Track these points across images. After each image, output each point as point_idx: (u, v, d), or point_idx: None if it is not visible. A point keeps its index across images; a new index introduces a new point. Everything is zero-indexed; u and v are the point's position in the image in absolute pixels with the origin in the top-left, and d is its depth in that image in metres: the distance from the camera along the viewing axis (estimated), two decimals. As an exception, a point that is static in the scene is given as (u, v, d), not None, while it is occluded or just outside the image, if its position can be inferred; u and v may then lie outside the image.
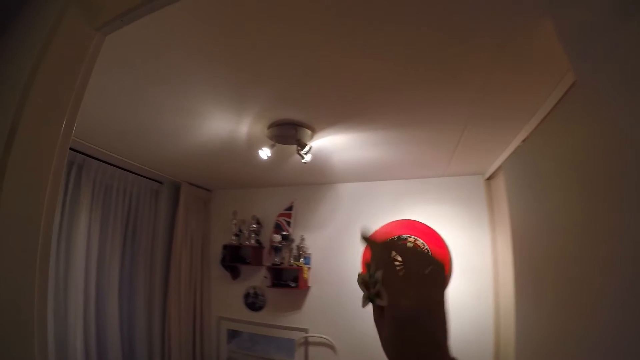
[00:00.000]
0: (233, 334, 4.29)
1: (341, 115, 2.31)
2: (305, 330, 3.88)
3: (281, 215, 4.19)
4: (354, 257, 3.83)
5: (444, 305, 0.58)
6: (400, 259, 0.63)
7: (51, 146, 0.99)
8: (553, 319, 1.91)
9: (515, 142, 2.44)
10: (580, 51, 1.04)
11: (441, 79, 1.79)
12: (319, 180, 4.07)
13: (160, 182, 4.17)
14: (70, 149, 2.79)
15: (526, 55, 1.55)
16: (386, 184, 3.87)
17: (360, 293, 0.57)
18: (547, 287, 2.00)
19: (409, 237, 3.56)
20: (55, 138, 1.00)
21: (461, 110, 2.15)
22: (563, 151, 1.79)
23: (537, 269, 2.15)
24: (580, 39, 1.02)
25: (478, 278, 3.25)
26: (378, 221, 3.80)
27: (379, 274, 0.61)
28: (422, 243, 3.47)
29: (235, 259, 4.29)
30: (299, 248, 4.01)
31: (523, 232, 2.40)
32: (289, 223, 4.11)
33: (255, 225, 4.22)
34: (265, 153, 2.61)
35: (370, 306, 0.64)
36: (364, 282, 0.64)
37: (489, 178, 3.33)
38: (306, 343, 3.87)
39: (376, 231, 3.73)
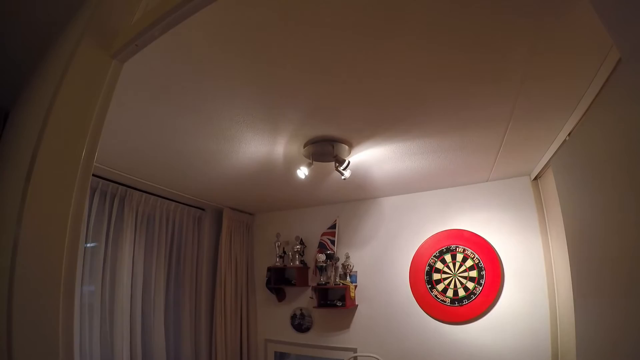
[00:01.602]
0: (281, 356, 4.24)
1: (377, 127, 2.29)
2: (354, 350, 3.77)
3: (325, 234, 4.16)
4: (401, 271, 3.73)
5: None
6: None
7: (72, 173, 1.00)
8: (615, 322, 1.77)
9: (562, 136, 2.32)
10: (622, 25, 0.99)
11: (478, 77, 1.74)
12: (361, 196, 4.03)
13: (202, 209, 4.26)
14: (112, 181, 2.98)
15: (565, 37, 1.47)
16: (430, 194, 3.78)
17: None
18: (608, 290, 1.87)
19: (457, 247, 3.45)
20: (76, 164, 1.01)
21: (501, 110, 2.08)
22: (614, 138, 1.69)
23: (596, 271, 2.01)
24: (621, 12, 0.98)
25: (531, 285, 3.08)
26: (424, 233, 3.71)
27: None
28: (472, 252, 3.35)
29: (280, 281, 4.27)
30: (345, 266, 3.95)
31: (578, 232, 2.26)
32: (333, 242, 4.07)
33: (299, 246, 4.21)
34: (302, 172, 2.60)
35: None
36: None
37: (536, 178, 3.19)
38: (356, 363, 3.76)
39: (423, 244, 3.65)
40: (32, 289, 0.89)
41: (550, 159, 2.62)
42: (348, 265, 3.94)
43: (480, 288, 3.25)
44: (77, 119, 1.05)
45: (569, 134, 2.22)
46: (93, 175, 2.84)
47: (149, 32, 1.08)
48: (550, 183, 2.76)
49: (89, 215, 2.92)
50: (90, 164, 1.05)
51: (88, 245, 2.92)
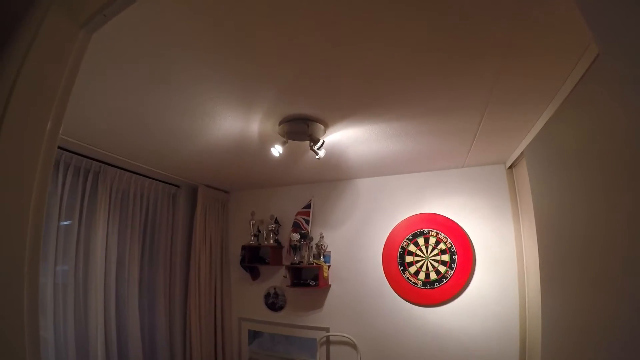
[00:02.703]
0: (254, 335, 4.26)
1: (353, 107, 2.24)
2: (327, 329, 3.82)
3: (299, 213, 4.14)
4: (375, 253, 3.75)
5: None
6: None
7: (36, 145, 0.97)
8: (578, 311, 1.82)
9: (537, 127, 2.32)
10: (602, 18, 0.96)
11: (456, 61, 1.70)
12: (336, 177, 4.01)
13: (177, 186, 4.19)
14: (85, 156, 2.89)
15: (545, 30, 1.45)
16: (405, 178, 3.78)
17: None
18: (572, 279, 1.91)
19: (430, 231, 3.47)
20: (41, 136, 0.98)
21: (478, 96, 2.05)
22: (585, 131, 1.70)
23: (562, 260, 2.05)
24: (603, 7, 0.95)
25: (502, 270, 3.14)
26: (398, 216, 3.72)
27: None
28: (445, 237, 3.38)
29: (254, 260, 4.26)
30: (318, 246, 3.96)
31: (547, 221, 2.30)
32: (307, 221, 4.05)
33: (273, 225, 4.19)
34: (277, 150, 2.56)
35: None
36: None
37: (511, 166, 3.21)
38: (328, 342, 3.80)
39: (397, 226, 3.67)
40: None
41: (525, 149, 2.63)
42: (322, 245, 3.95)
43: (452, 272, 3.29)
44: (42, 90, 1.01)
45: (545, 124, 2.22)
46: (67, 150, 2.79)
47: (116, 2, 1.04)
48: (524, 172, 2.78)
49: (62, 192, 2.83)
50: (55, 136, 1.02)
51: (62, 223, 2.84)
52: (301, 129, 2.40)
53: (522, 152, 2.74)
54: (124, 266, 3.39)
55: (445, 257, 3.36)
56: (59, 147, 2.74)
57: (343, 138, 2.74)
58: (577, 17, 1.26)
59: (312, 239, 4.02)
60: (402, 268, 3.55)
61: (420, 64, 1.73)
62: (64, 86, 1.03)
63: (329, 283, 3.92)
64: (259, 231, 4.26)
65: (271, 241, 4.14)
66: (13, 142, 0.93)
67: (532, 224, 2.60)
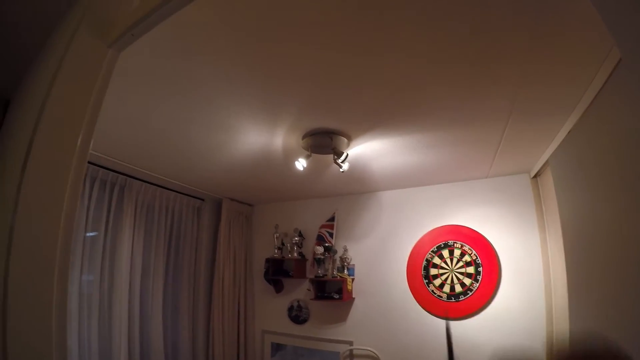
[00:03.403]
0: (277, 347, 4.26)
1: (376, 119, 2.27)
2: (350, 343, 3.79)
3: (323, 226, 4.16)
4: (399, 265, 3.73)
5: None
6: None
7: (67, 161, 1.00)
8: (608, 324, 1.77)
9: (561, 135, 2.30)
10: (623, 22, 0.97)
11: (476, 72, 1.72)
12: (360, 189, 4.03)
13: (201, 199, 4.26)
14: (112, 170, 2.97)
15: (565, 36, 1.45)
16: (428, 189, 3.77)
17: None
18: (601, 291, 1.86)
19: (455, 242, 3.44)
20: (71, 153, 1.01)
21: (501, 105, 2.05)
22: (610, 138, 1.68)
23: (591, 271, 2.01)
24: (624, 11, 0.95)
25: (529, 282, 3.08)
26: (422, 228, 3.70)
27: None
28: (470, 248, 3.35)
29: (278, 272, 4.29)
30: (342, 259, 3.95)
31: (574, 231, 2.26)
32: (331, 234, 4.07)
33: (297, 238, 4.21)
34: (301, 164, 2.58)
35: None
36: None
37: (536, 175, 3.17)
38: (351, 356, 3.77)
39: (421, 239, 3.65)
40: (27, 275, 0.90)
41: (549, 157, 2.60)
42: (346, 258, 3.95)
43: (477, 284, 3.25)
44: (72, 107, 1.05)
45: (569, 131, 2.19)
46: (93, 164, 2.88)
47: (145, 21, 1.07)
48: (549, 181, 2.74)
49: (89, 205, 2.92)
50: (85, 152, 1.05)
51: (88, 234, 2.92)
52: (325, 142, 2.43)
53: (546, 161, 2.71)
54: (148, 277, 3.45)
55: (471, 269, 3.32)
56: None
57: (366, 151, 2.76)
58: (598, 22, 1.26)
59: (336, 252, 4.02)
60: (426, 281, 3.52)
61: (441, 74, 1.75)
62: (93, 103, 1.06)
63: (353, 296, 3.90)
64: (282, 244, 4.30)
65: (295, 254, 4.16)
66: (45, 157, 0.98)
67: (558, 234, 2.55)
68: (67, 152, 1.01)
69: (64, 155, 1.01)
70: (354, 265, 4.00)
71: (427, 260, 3.56)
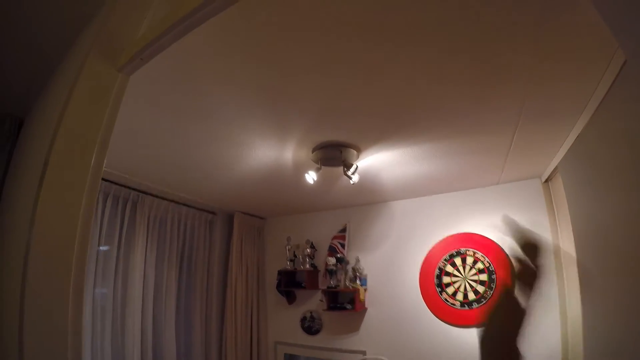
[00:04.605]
0: (290, 359, 4.25)
1: (385, 131, 2.29)
2: (363, 353, 3.77)
3: (335, 237, 4.18)
4: (411, 274, 3.72)
5: None
6: None
7: (81, 179, 1.05)
8: (622, 328, 1.76)
9: (571, 139, 2.30)
10: (626, 24, 0.99)
11: (484, 79, 1.73)
12: (371, 200, 4.04)
13: (213, 213, 4.31)
14: (124, 186, 3.02)
15: (569, 40, 1.46)
16: (440, 198, 3.77)
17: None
18: (615, 295, 1.85)
19: (467, 250, 3.43)
20: (85, 172, 1.06)
21: (509, 112, 2.07)
22: (619, 140, 1.68)
23: (603, 275, 2.00)
24: (624, 11, 0.97)
25: (542, 288, 3.05)
26: (434, 237, 3.70)
27: None
28: (482, 256, 3.34)
29: (290, 284, 4.29)
30: (355, 270, 3.95)
31: (586, 234, 2.25)
32: (343, 245, 4.08)
33: (309, 250, 4.23)
34: (311, 177, 2.61)
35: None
36: None
37: (547, 180, 3.17)
38: (365, 366, 3.75)
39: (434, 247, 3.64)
40: (43, 289, 0.93)
41: (560, 162, 2.61)
42: (358, 268, 3.94)
43: (491, 292, 3.23)
44: (85, 128, 1.09)
45: (578, 135, 2.20)
46: (106, 180, 2.93)
47: (154, 46, 1.12)
48: (560, 185, 2.74)
49: (102, 219, 2.97)
50: (99, 171, 1.10)
51: (101, 248, 2.97)
52: (334, 155, 2.45)
53: (557, 166, 2.71)
54: (161, 290, 3.49)
55: (484, 277, 3.30)
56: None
57: (376, 162, 2.78)
58: (602, 22, 1.29)
59: (348, 263, 4.03)
60: (439, 289, 3.51)
61: (450, 84, 1.77)
62: (106, 125, 1.12)
63: (366, 306, 3.89)
64: (295, 256, 4.31)
65: (307, 265, 4.17)
66: (60, 176, 1.02)
67: (571, 239, 2.55)
68: (82, 171, 1.06)
69: (79, 174, 1.05)
70: (366, 275, 3.99)
71: (439, 268, 3.55)
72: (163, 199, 3.59)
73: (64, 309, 0.94)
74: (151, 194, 3.45)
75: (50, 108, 1.23)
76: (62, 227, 0.99)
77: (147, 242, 3.37)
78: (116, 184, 3.09)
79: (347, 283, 3.92)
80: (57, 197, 1.00)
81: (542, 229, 3.17)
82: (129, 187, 3.22)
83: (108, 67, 1.16)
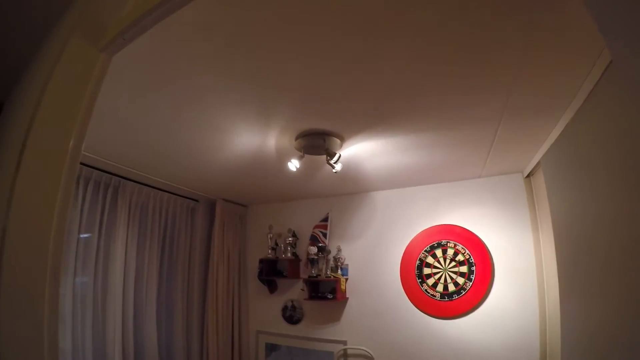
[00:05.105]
0: (271, 348, 4.26)
1: (369, 120, 2.27)
2: (344, 343, 3.80)
3: (317, 227, 4.16)
4: (392, 265, 3.74)
5: None
6: None
7: (59, 163, 1.02)
8: (599, 322, 1.79)
9: (554, 135, 2.32)
10: (614, 26, 0.98)
11: (469, 71, 1.72)
12: (354, 190, 4.03)
13: (196, 200, 4.25)
14: (105, 171, 2.96)
15: (557, 38, 1.46)
16: (422, 189, 3.78)
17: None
18: (593, 290, 1.88)
19: (448, 242, 3.46)
20: (64, 155, 1.03)
21: (493, 106, 2.06)
22: (602, 138, 1.69)
23: (582, 271, 2.02)
24: (612, 12, 0.96)
25: (522, 282, 3.10)
26: (416, 228, 3.72)
27: None
28: (463, 248, 3.36)
29: (272, 273, 4.28)
30: (336, 259, 3.95)
31: (566, 229, 2.27)
32: (325, 234, 4.07)
33: (291, 238, 4.22)
34: (294, 165, 2.59)
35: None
36: None
37: (529, 175, 3.19)
38: (345, 355, 3.78)
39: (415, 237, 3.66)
40: (19, 274, 0.90)
41: (542, 157, 2.62)
42: (339, 258, 3.95)
43: (471, 283, 3.27)
44: (64, 110, 1.06)
45: (562, 131, 2.21)
46: (87, 165, 2.86)
47: (136, 27, 1.08)
48: (542, 181, 2.76)
49: (82, 206, 2.90)
50: (77, 154, 1.06)
51: (82, 236, 2.91)
52: (318, 143, 2.43)
53: (539, 161, 2.73)
54: (142, 279, 3.44)
55: (464, 269, 3.34)
56: (79, 163, 2.81)
57: (359, 151, 2.76)
58: (589, 23, 1.27)
59: (329, 252, 4.03)
60: (419, 280, 3.53)
61: (434, 75, 1.75)
62: (85, 107, 1.08)
63: (347, 296, 3.91)
64: (276, 244, 4.29)
65: (289, 254, 4.16)
66: (37, 158, 0.98)
67: (551, 234, 2.57)
68: (60, 155, 1.02)
69: (57, 157, 1.02)
70: (347, 265, 4.00)
71: (420, 259, 3.57)
72: (144, 185, 3.52)
73: (40, 295, 0.92)
74: (133, 180, 3.38)
75: (29, 90, 1.18)
76: (40, 211, 0.97)
77: (128, 229, 3.31)
78: (97, 169, 3.01)
79: (329, 272, 3.92)
80: (34, 180, 0.97)
81: (522, 224, 3.21)
82: (110, 173, 3.15)
83: (90, 48, 1.12)
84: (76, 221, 2.84)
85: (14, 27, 1.44)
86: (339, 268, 3.92)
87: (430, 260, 3.52)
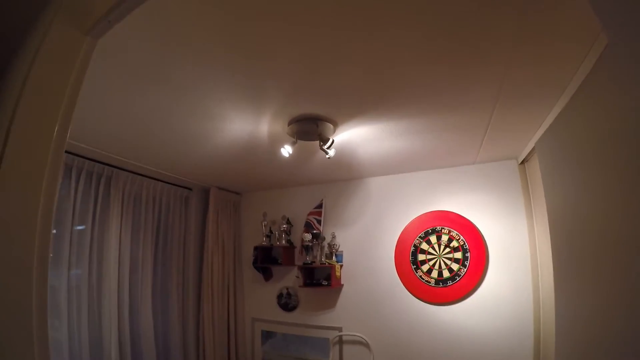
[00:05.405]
0: (267, 335, 4.28)
1: (362, 105, 2.24)
2: (339, 329, 3.82)
3: (311, 213, 4.15)
4: (387, 251, 3.74)
5: None
6: None
7: (44, 148, 1.00)
8: (592, 308, 1.79)
9: (549, 121, 2.30)
10: (610, 7, 0.95)
11: (463, 54, 1.68)
12: (348, 176, 4.01)
13: (189, 189, 4.23)
14: (97, 161, 2.94)
15: (554, 19, 1.43)
16: (416, 175, 3.77)
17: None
18: (586, 276, 1.88)
19: (442, 228, 3.45)
20: (48, 140, 1.00)
21: (488, 90, 2.03)
22: (597, 123, 1.67)
23: (576, 257, 2.02)
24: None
25: (516, 268, 3.11)
26: (410, 214, 3.71)
27: None
28: (457, 234, 3.36)
29: (267, 260, 4.28)
30: (330, 246, 3.96)
31: (560, 217, 2.27)
32: (319, 221, 4.06)
33: (285, 225, 4.20)
34: (286, 151, 2.55)
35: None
36: None
37: (523, 162, 3.18)
38: (340, 342, 3.80)
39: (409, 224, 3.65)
40: (4, 263, 0.88)
41: (536, 143, 2.60)
42: (334, 244, 3.95)
43: (465, 270, 3.27)
44: (48, 96, 1.04)
45: (557, 116, 2.19)
46: (78, 155, 2.83)
47: (121, 7, 1.06)
48: (536, 167, 2.75)
49: (75, 197, 2.87)
50: (62, 141, 1.04)
51: (76, 228, 2.88)
52: (310, 128, 2.40)
53: (534, 147, 2.71)
54: (137, 269, 3.43)
55: (458, 255, 3.34)
56: (71, 153, 2.79)
57: (353, 137, 2.74)
58: (585, 5, 1.24)
59: (324, 239, 4.01)
60: (414, 266, 3.53)
61: (428, 59, 1.72)
62: (71, 91, 1.05)
63: (342, 283, 3.91)
64: (271, 232, 4.28)
65: (283, 241, 4.15)
66: (21, 146, 0.96)
67: (545, 220, 2.57)
68: (44, 142, 1.00)
69: (41, 144, 1.00)
70: (342, 252, 4.00)
71: (414, 246, 3.57)
72: (137, 174, 3.49)
73: (28, 288, 0.90)
74: (125, 169, 3.35)
75: (13, 77, 1.15)
76: (25, 200, 0.94)
77: (121, 219, 3.29)
78: (89, 159, 2.98)
79: (323, 259, 3.92)
80: (18, 169, 0.95)
81: (517, 210, 3.20)
82: (102, 163, 3.11)
83: (74, 30, 1.10)
84: (69, 213, 2.81)
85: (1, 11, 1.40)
86: (334, 255, 3.93)
87: (424, 246, 3.52)
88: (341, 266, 3.93)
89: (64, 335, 2.65)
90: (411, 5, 1.36)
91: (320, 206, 4.14)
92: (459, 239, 3.36)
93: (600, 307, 1.69)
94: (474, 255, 3.26)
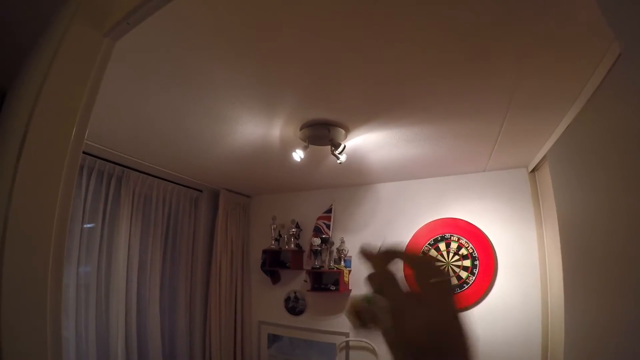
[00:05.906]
0: (274, 339, 4.28)
1: (374, 111, 2.26)
2: (347, 335, 3.81)
3: (320, 218, 4.15)
4: (395, 258, 3.71)
5: (461, 322, 0.46)
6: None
7: (62, 150, 1.01)
8: (602, 318, 1.77)
9: (560, 130, 2.29)
10: (623, 17, 0.96)
11: (475, 64, 1.70)
12: (357, 182, 4.02)
13: (199, 190, 4.26)
14: (109, 161, 2.96)
15: (566, 30, 1.43)
16: (426, 182, 3.77)
17: None
18: (597, 285, 1.86)
19: (452, 235, 3.44)
20: (66, 142, 1.01)
21: (499, 99, 2.04)
22: (610, 132, 1.67)
23: (586, 266, 2.01)
24: (624, 6, 0.94)
25: (525, 277, 3.09)
26: (419, 221, 3.70)
27: (376, 296, 0.52)
28: (466, 242, 3.35)
29: (275, 264, 4.28)
30: (339, 251, 3.95)
31: (571, 225, 2.26)
32: (328, 226, 4.06)
33: (294, 229, 4.21)
34: (298, 155, 2.58)
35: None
36: (355, 308, 0.55)
37: (534, 170, 3.17)
38: (347, 347, 3.79)
39: (416, 233, 3.64)
40: (21, 263, 0.90)
41: (547, 152, 2.60)
42: (343, 249, 3.94)
43: (474, 278, 3.26)
44: (67, 97, 1.05)
45: (568, 126, 2.18)
46: (90, 155, 2.86)
47: (140, 10, 1.07)
48: (547, 176, 2.74)
49: (86, 196, 2.91)
50: (80, 142, 1.05)
51: (85, 225, 2.92)
52: (322, 133, 2.42)
53: (544, 156, 2.70)
54: (145, 269, 3.46)
55: (467, 263, 3.33)
56: (83, 152, 2.81)
57: (364, 143, 2.75)
58: (598, 16, 1.25)
59: (333, 244, 4.02)
60: (422, 273, 3.51)
61: (440, 67, 1.73)
62: (89, 93, 1.06)
63: (350, 288, 3.90)
64: (280, 235, 4.29)
65: (292, 245, 4.16)
66: (39, 146, 0.97)
67: (555, 229, 2.55)
68: (62, 143, 1.01)
69: (59, 145, 1.01)
70: (350, 257, 3.99)
71: (423, 253, 3.56)
72: (148, 174, 3.52)
73: (43, 284, 0.91)
74: (136, 170, 3.39)
75: (32, 78, 1.17)
76: (42, 200, 0.96)
77: (131, 219, 3.32)
78: (101, 158, 3.02)
79: (332, 264, 3.93)
80: (36, 169, 0.97)
81: (526, 219, 3.19)
82: (114, 162, 3.15)
83: (93, 32, 1.11)
84: (80, 210, 2.85)
85: (17, 14, 1.43)
86: (342, 260, 3.92)
87: (433, 253, 3.51)
88: (349, 271, 3.93)
89: (71, 332, 2.68)
90: (421, 18, 1.38)
91: (329, 211, 4.14)
92: (468, 246, 3.35)
93: (610, 319, 1.68)
94: (482, 263, 3.25)
